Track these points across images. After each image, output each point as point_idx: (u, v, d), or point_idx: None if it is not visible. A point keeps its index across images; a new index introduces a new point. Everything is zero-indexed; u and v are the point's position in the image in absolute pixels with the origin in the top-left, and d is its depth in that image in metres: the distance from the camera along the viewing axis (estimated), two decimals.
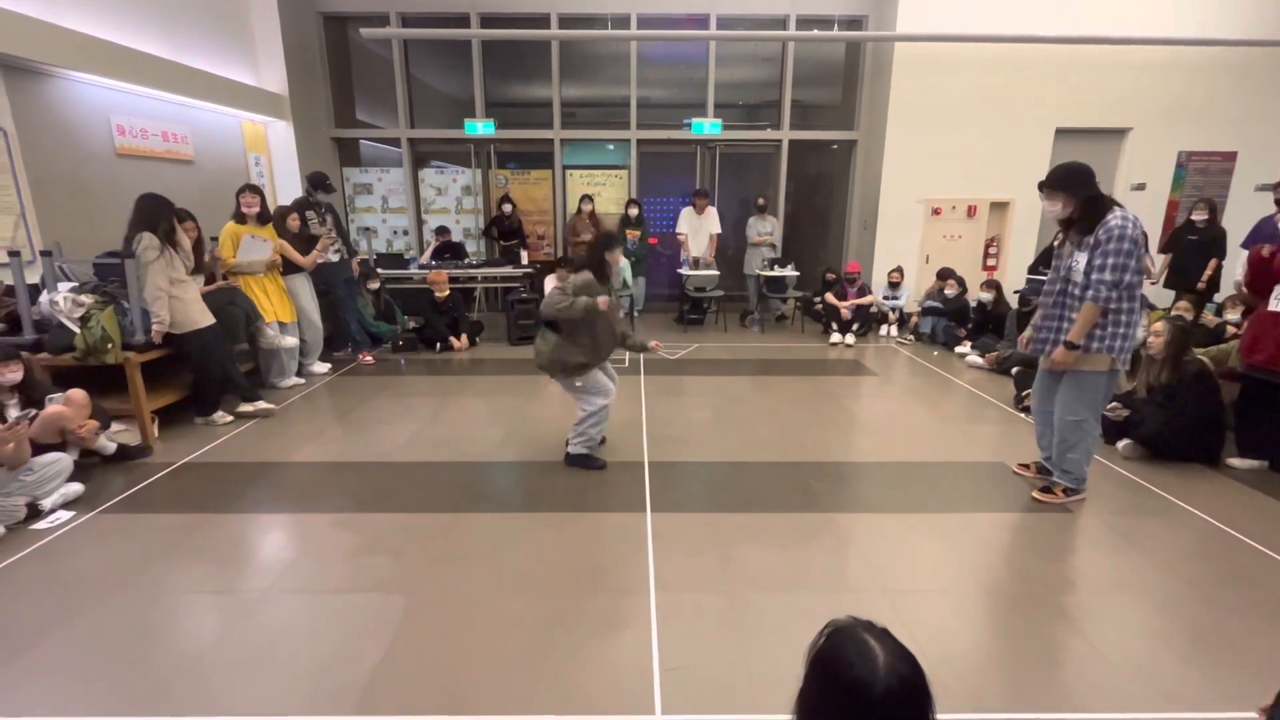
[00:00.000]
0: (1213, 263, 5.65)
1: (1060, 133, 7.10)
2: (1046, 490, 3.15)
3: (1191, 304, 4.77)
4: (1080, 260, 2.86)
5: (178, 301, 3.85)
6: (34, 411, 3.09)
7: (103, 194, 4.85)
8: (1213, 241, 5.70)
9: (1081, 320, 2.83)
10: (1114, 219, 2.75)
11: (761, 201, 7.47)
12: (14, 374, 3.08)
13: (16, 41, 4.01)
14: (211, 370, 4.06)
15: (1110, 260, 2.72)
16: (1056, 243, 3.11)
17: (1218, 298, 5.75)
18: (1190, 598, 2.37)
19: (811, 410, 4.50)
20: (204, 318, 4.00)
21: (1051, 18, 6.63)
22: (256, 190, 4.63)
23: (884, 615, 0.94)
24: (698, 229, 7.33)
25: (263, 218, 4.70)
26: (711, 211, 7.37)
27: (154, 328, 3.74)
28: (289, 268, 5.00)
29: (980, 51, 6.79)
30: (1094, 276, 2.77)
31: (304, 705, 1.85)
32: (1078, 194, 2.83)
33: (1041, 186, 2.94)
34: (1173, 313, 4.59)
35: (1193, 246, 5.73)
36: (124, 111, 5.07)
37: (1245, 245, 5.36)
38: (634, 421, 4.17)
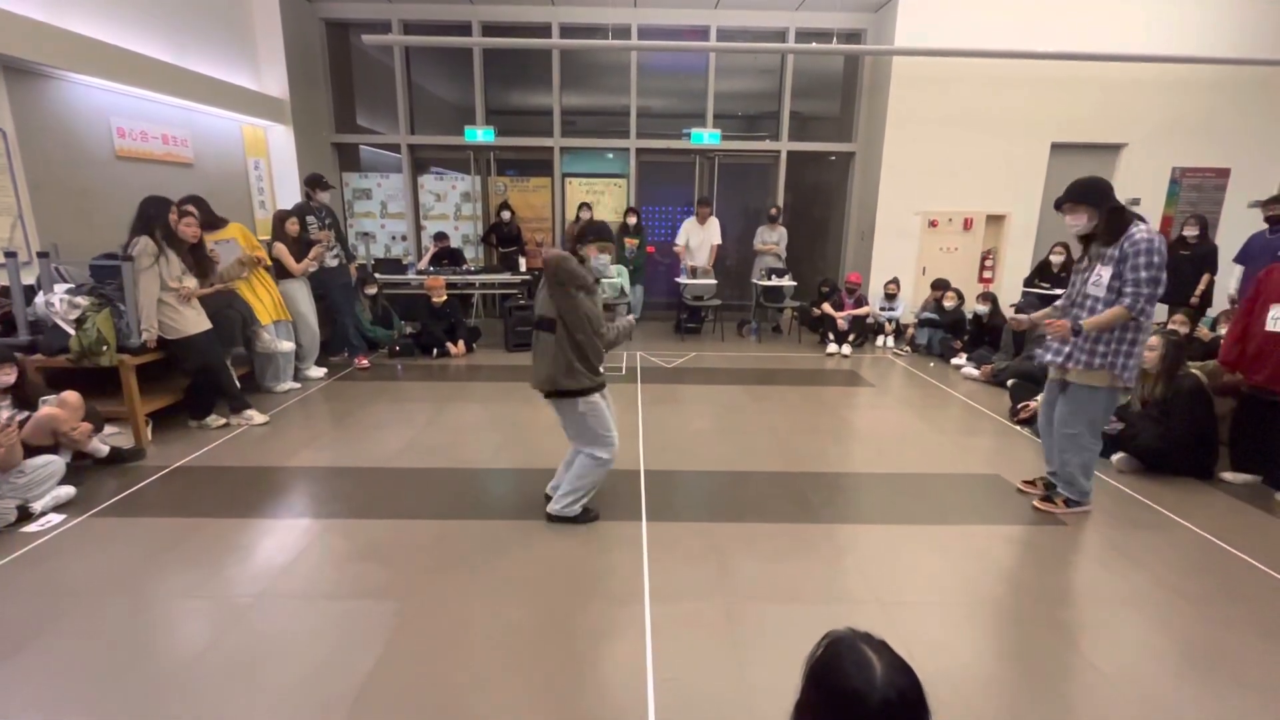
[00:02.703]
0: (1205, 277, 5.70)
1: (1055, 148, 7.16)
2: (1047, 499, 3.16)
3: (1187, 318, 4.81)
4: (1104, 274, 2.83)
5: (170, 309, 3.84)
6: (27, 413, 3.07)
7: (102, 196, 4.84)
8: (1204, 257, 5.76)
9: (1106, 315, 2.79)
10: (1139, 232, 2.75)
11: (774, 211, 7.49)
12: (7, 376, 3.06)
13: (18, 43, 4.01)
14: (205, 375, 4.04)
15: (1144, 274, 2.71)
16: (1076, 258, 3.11)
17: (1211, 312, 5.80)
18: (1184, 612, 2.38)
19: (808, 420, 4.50)
20: (199, 323, 3.99)
21: (1048, 34, 6.71)
22: (188, 200, 4.29)
23: (879, 627, 0.94)
24: (700, 240, 7.35)
25: (211, 224, 4.44)
26: (714, 222, 7.39)
27: (144, 335, 3.73)
28: (283, 272, 4.99)
29: (977, 66, 6.86)
30: (1130, 289, 2.75)
31: (296, 713, 1.83)
32: (1100, 206, 2.84)
33: (1060, 203, 2.92)
34: (1167, 327, 4.62)
35: (1185, 262, 5.78)
36: (124, 114, 5.07)
37: (1237, 260, 5.42)
38: (630, 429, 4.16)
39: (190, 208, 4.08)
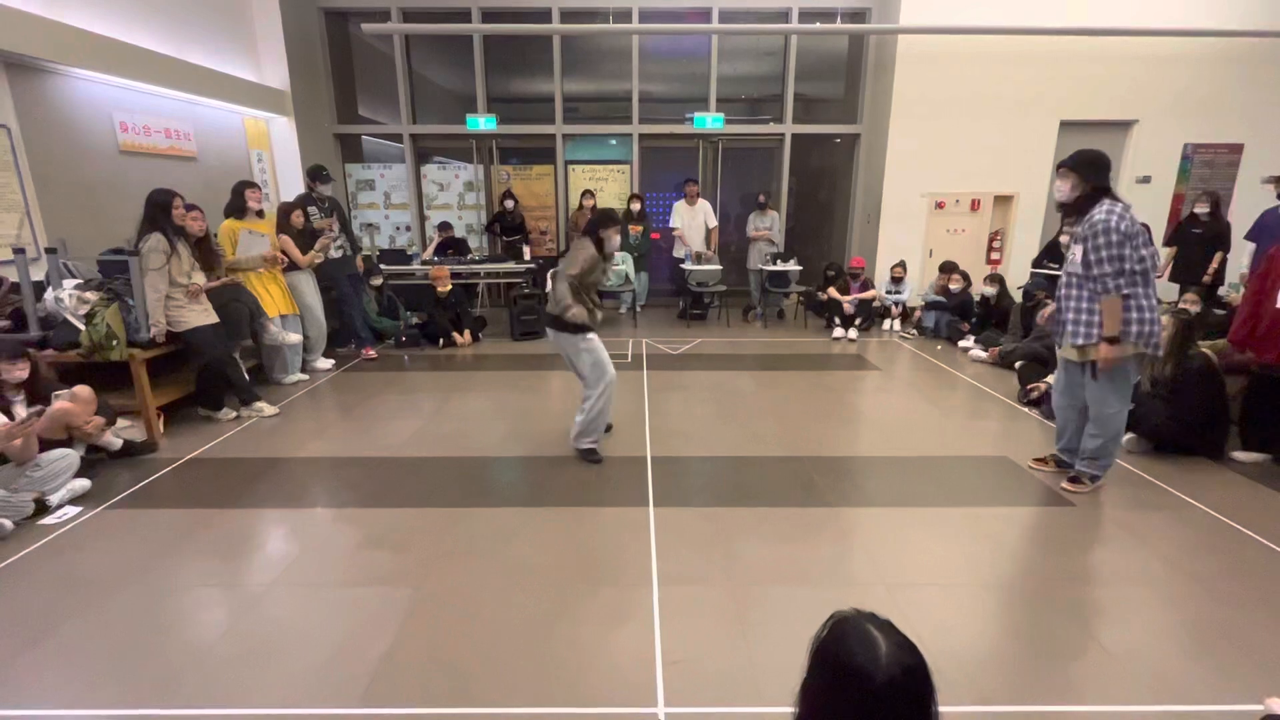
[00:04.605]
0: (1218, 256, 5.62)
1: (1065, 125, 7.05)
2: (1076, 480, 3.16)
3: (1199, 297, 4.75)
4: (1077, 251, 2.91)
5: (174, 303, 3.86)
6: (41, 408, 3.11)
7: (106, 191, 4.86)
8: (1216, 235, 5.67)
9: (1106, 315, 2.84)
10: (1098, 213, 2.80)
11: (762, 198, 7.45)
12: (20, 371, 3.10)
13: (20, 39, 4.01)
14: (213, 367, 4.07)
15: (1104, 254, 2.77)
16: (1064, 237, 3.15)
17: (1222, 291, 5.73)
18: (1194, 591, 2.37)
19: (814, 405, 4.50)
20: (205, 317, 4.02)
21: (1056, 9, 6.58)
22: (250, 184, 4.69)
23: (886, 609, 0.94)
24: (691, 222, 7.31)
25: (260, 213, 4.77)
26: (704, 203, 7.35)
27: (152, 330, 3.75)
28: (289, 264, 5.01)
29: (984, 44, 6.74)
30: (1095, 272, 2.81)
31: (310, 698, 1.86)
32: (1087, 179, 2.86)
33: (1060, 165, 2.95)
34: (1178, 306, 4.57)
35: (1197, 240, 5.70)
36: (127, 108, 5.07)
37: (1248, 237, 5.34)
38: (637, 416, 4.18)
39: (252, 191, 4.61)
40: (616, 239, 3.41)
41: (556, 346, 3.45)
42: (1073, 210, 2.93)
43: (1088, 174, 2.86)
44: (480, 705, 1.84)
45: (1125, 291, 2.79)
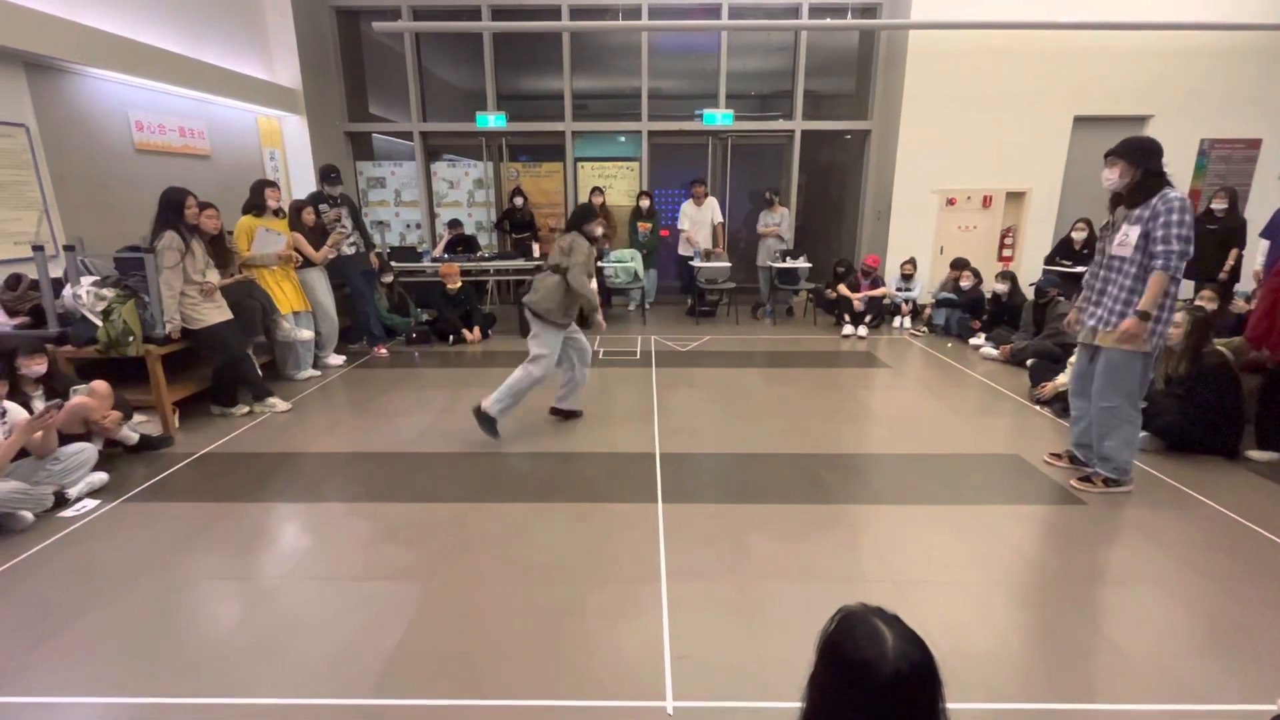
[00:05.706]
0: (1234, 252, 5.55)
1: (1079, 120, 6.98)
2: (1086, 480, 3.13)
3: (1215, 294, 4.69)
4: (1132, 233, 2.82)
5: (189, 300, 3.91)
6: (60, 402, 3.16)
7: (122, 189, 4.93)
8: (1232, 232, 5.60)
9: (1151, 289, 2.78)
10: (1174, 193, 2.76)
11: (768, 195, 7.43)
12: (39, 366, 3.16)
13: (38, 39, 4.07)
14: (227, 364, 4.12)
15: (1174, 231, 2.71)
16: (1103, 224, 3.08)
17: (1238, 288, 5.66)
18: (1207, 591, 2.35)
19: (823, 402, 4.49)
20: (220, 314, 4.06)
21: (1070, 3, 6.51)
22: (270, 183, 4.73)
23: (895, 605, 0.95)
24: (699, 221, 7.31)
25: (278, 211, 4.81)
26: (711, 201, 7.34)
27: (167, 327, 3.80)
28: (305, 261, 5.06)
29: (997, 39, 6.68)
30: (1160, 248, 2.74)
31: (322, 688, 1.89)
32: (1138, 164, 2.81)
33: (1107, 154, 2.90)
34: (1194, 303, 4.52)
35: (1212, 236, 5.63)
36: (142, 107, 5.14)
37: (1264, 235, 5.27)
38: (645, 413, 4.19)
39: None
40: (599, 230, 3.81)
41: (539, 331, 3.72)
42: (1134, 194, 2.84)
43: (1138, 159, 2.81)
44: (490, 697, 1.86)
45: (1180, 271, 2.74)
